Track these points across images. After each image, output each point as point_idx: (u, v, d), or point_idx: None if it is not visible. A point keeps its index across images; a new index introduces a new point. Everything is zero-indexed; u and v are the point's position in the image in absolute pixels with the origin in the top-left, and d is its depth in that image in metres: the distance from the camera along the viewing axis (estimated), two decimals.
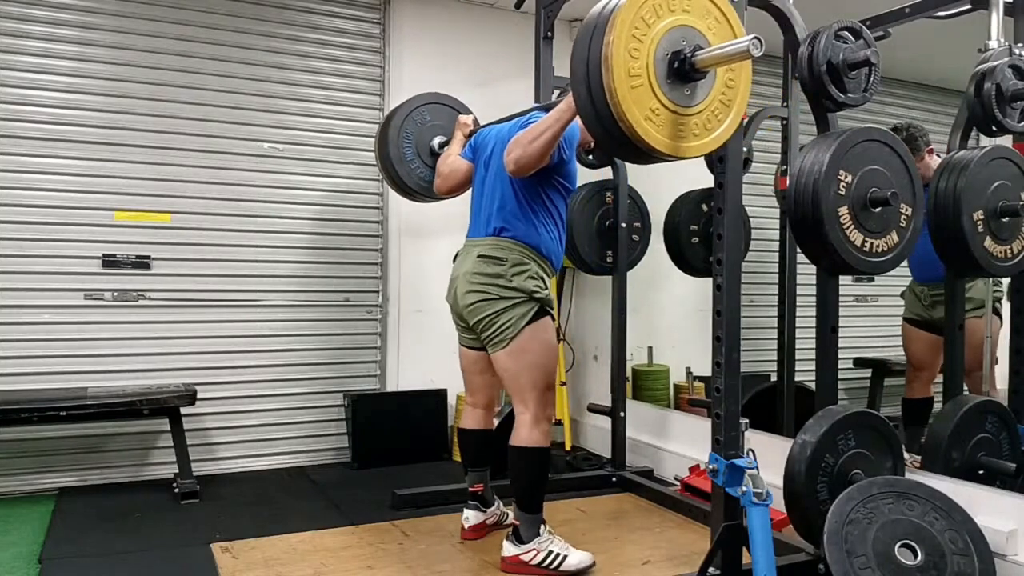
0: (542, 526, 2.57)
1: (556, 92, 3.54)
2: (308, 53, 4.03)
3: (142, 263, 3.68)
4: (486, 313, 2.59)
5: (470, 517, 2.90)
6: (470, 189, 2.90)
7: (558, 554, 2.54)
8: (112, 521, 3.09)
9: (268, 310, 3.95)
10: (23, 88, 3.48)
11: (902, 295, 3.60)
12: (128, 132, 3.66)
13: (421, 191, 3.31)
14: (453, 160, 2.98)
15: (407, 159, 3.29)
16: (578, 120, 2.41)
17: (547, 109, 2.69)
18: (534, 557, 2.53)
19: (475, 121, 3.15)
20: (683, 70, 1.83)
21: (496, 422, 3.11)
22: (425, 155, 3.31)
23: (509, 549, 2.56)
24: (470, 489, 2.94)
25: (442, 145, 3.27)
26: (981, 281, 3.23)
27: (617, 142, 1.87)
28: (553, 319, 2.67)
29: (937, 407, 3.29)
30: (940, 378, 3.24)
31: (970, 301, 3.12)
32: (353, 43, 4.14)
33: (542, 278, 2.65)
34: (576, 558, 2.56)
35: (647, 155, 1.90)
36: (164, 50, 3.72)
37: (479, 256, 2.63)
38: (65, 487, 3.53)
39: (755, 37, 1.73)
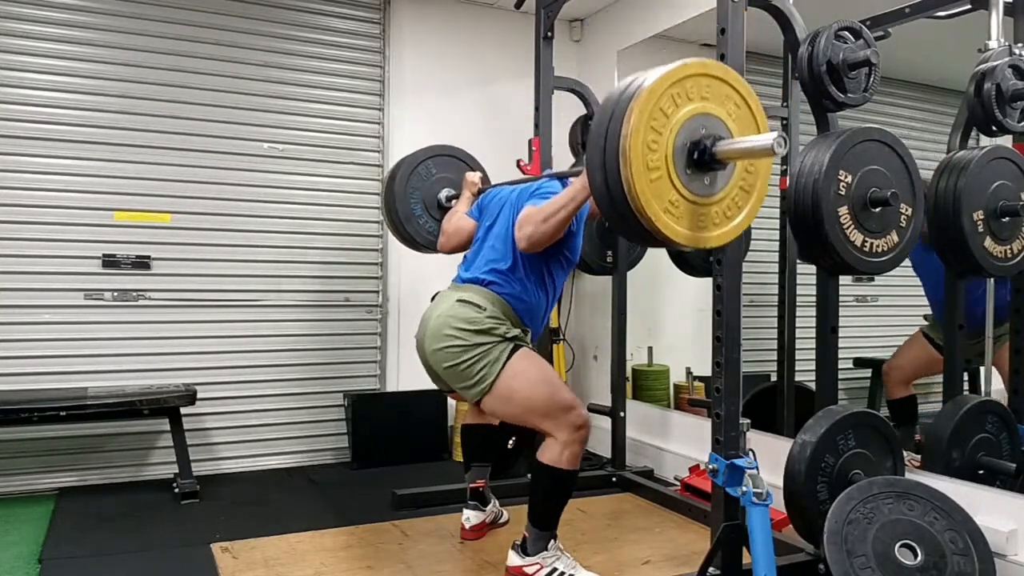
0: (552, 541, 2.49)
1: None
2: (308, 53, 4.03)
3: (142, 263, 3.68)
4: (456, 362, 2.44)
5: (471, 517, 2.90)
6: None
7: (563, 572, 2.45)
8: (112, 521, 3.09)
9: (268, 310, 3.95)
10: (23, 88, 3.49)
11: (926, 317, 3.60)
12: (128, 132, 3.66)
13: (430, 245, 3.26)
14: (459, 219, 2.92)
15: (415, 215, 3.25)
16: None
17: (559, 177, 2.67)
18: (538, 571, 2.45)
19: (483, 179, 3.11)
20: (703, 160, 1.76)
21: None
22: (433, 209, 3.27)
23: (513, 560, 2.50)
24: (471, 486, 2.94)
25: (449, 199, 3.25)
26: None
27: (635, 233, 1.80)
28: (529, 346, 2.56)
29: (937, 407, 3.29)
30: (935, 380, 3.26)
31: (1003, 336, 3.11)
32: (353, 43, 4.15)
33: (519, 324, 2.54)
34: None
35: (664, 245, 1.84)
36: (164, 50, 3.73)
37: (458, 300, 2.50)
38: (65, 487, 3.53)
39: (780, 134, 1.66)
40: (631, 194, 1.68)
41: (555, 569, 2.45)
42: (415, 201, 3.26)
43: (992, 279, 2.93)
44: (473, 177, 3.05)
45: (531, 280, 2.55)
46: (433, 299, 2.69)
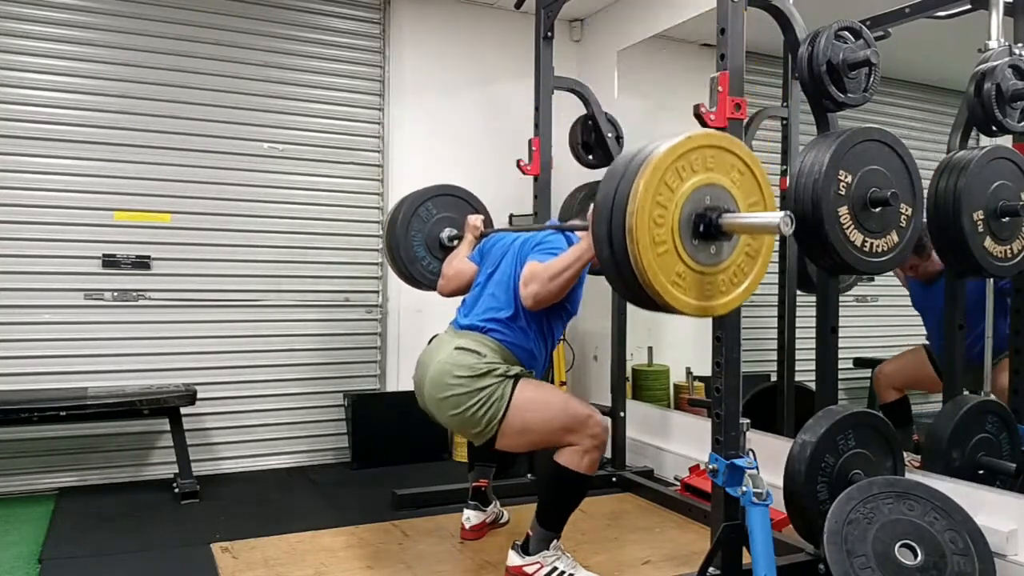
0: (554, 542, 2.49)
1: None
2: (308, 53, 4.03)
3: (142, 263, 3.68)
4: (460, 409, 2.42)
5: (471, 517, 2.90)
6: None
7: (563, 571, 2.45)
8: (112, 521, 3.09)
9: (268, 310, 3.95)
10: (23, 88, 3.49)
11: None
12: (128, 132, 3.66)
13: (433, 286, 3.22)
14: (460, 262, 2.93)
15: (418, 257, 3.26)
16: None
17: (562, 230, 2.66)
18: (538, 571, 2.45)
19: (485, 222, 3.12)
20: (708, 232, 1.77)
21: None
22: (435, 250, 3.28)
23: (514, 560, 2.49)
24: (473, 485, 2.94)
25: (451, 238, 3.25)
26: None
27: (643, 302, 1.83)
28: (530, 374, 2.55)
29: (937, 407, 3.29)
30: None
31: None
32: (353, 43, 4.15)
33: (518, 364, 2.53)
34: None
35: (673, 313, 1.85)
36: (164, 50, 3.73)
37: (456, 348, 2.49)
38: (65, 487, 3.53)
39: (787, 214, 1.67)
40: (638, 269, 1.70)
41: (555, 568, 2.45)
42: (418, 243, 3.26)
43: (992, 314, 2.93)
44: (475, 221, 3.06)
45: (531, 329, 2.55)
46: (431, 341, 2.69)
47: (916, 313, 3.56)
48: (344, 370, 4.13)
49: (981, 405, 2.66)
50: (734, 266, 1.84)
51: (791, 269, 3.59)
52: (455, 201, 3.33)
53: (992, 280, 2.93)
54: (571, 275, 2.39)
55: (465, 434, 2.53)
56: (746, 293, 1.88)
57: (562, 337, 2.69)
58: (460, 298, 2.81)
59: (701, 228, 1.76)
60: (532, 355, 2.57)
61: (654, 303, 1.78)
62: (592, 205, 2.25)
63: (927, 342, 3.52)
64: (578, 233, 2.55)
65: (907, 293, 3.64)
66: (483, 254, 2.82)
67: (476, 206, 3.36)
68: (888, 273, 2.47)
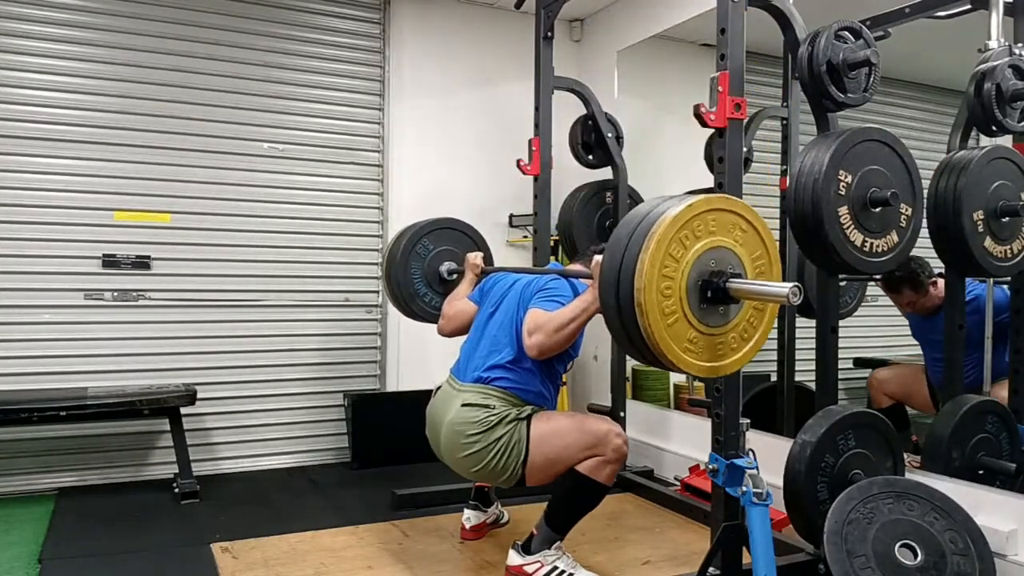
0: (556, 543, 2.49)
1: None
2: (308, 53, 4.03)
3: (142, 263, 3.68)
4: (483, 464, 2.44)
5: (471, 517, 2.90)
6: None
7: (563, 571, 2.45)
8: (112, 521, 3.09)
9: (268, 310, 3.95)
10: (23, 88, 3.49)
11: None
12: (128, 132, 3.66)
13: (434, 320, 3.20)
14: (460, 302, 2.93)
15: (419, 295, 3.28)
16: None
17: (566, 275, 2.65)
18: (538, 570, 2.46)
19: (485, 259, 3.13)
20: (716, 296, 1.79)
21: None
22: (435, 284, 3.30)
23: (514, 559, 2.50)
24: (475, 485, 2.94)
25: (451, 272, 3.27)
26: None
27: (654, 364, 1.86)
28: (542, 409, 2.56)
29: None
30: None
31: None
32: (353, 43, 4.15)
33: (528, 405, 2.54)
34: None
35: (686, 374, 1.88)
36: (164, 50, 3.73)
37: (464, 404, 2.49)
38: (65, 487, 3.53)
39: (795, 285, 1.68)
40: (651, 341, 1.72)
41: (555, 568, 2.46)
42: (417, 279, 3.28)
43: (991, 339, 2.94)
44: (475, 259, 3.07)
45: (536, 371, 2.55)
46: (435, 392, 2.70)
47: None
48: (344, 370, 4.13)
49: (981, 405, 2.66)
50: (743, 322, 1.86)
51: (791, 269, 3.59)
52: (453, 234, 3.35)
53: (991, 314, 2.96)
54: (576, 327, 2.39)
55: (495, 483, 2.56)
56: (756, 347, 1.90)
57: (563, 376, 2.71)
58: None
59: (709, 294, 1.78)
60: (541, 395, 2.57)
61: (667, 367, 1.81)
62: (596, 255, 2.25)
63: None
64: (583, 281, 2.54)
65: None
66: (483, 293, 2.82)
67: (474, 239, 3.37)
68: None
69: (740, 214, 1.82)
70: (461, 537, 2.88)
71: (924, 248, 2.62)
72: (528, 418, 2.47)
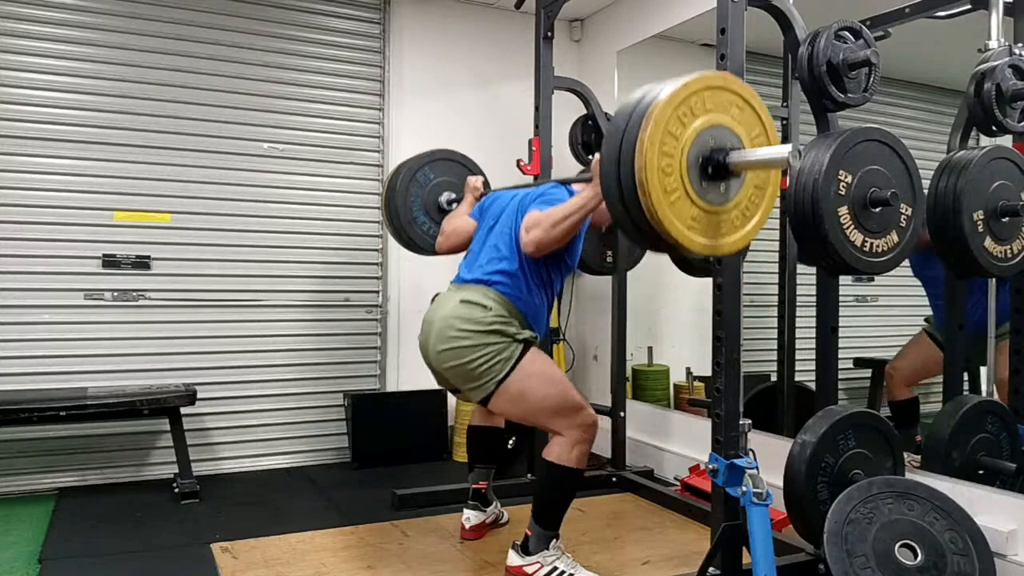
0: (553, 541, 2.48)
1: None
2: (308, 53, 4.03)
3: (142, 263, 3.68)
4: (462, 361, 2.43)
5: (471, 517, 2.90)
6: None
7: (563, 571, 2.44)
8: (112, 521, 3.09)
9: (268, 310, 3.95)
10: (23, 88, 3.49)
11: (927, 319, 3.59)
12: (128, 132, 3.66)
13: (431, 249, 3.29)
14: (459, 220, 2.94)
15: (416, 221, 3.30)
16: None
17: (564, 183, 2.68)
18: (538, 571, 2.45)
19: (485, 183, 3.13)
20: (717, 172, 1.80)
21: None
22: (433, 213, 3.32)
23: (513, 559, 2.49)
24: (473, 486, 2.94)
25: (450, 202, 3.30)
26: None
27: (660, 248, 1.88)
28: (537, 346, 2.55)
29: (937, 407, 3.29)
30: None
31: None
32: (353, 43, 4.15)
33: (527, 325, 2.55)
34: None
35: (693, 255, 1.91)
36: (164, 50, 3.73)
37: (461, 301, 2.48)
38: (65, 487, 3.53)
39: (795, 146, 1.68)
40: (654, 220, 1.72)
41: (555, 568, 2.45)
42: (416, 207, 3.29)
43: (994, 280, 2.93)
44: (475, 182, 3.07)
45: (533, 281, 2.55)
46: (433, 300, 2.68)
47: (916, 314, 3.56)
48: (344, 370, 4.13)
49: (981, 405, 2.66)
50: (745, 201, 1.87)
51: (791, 269, 3.59)
52: (452, 165, 3.37)
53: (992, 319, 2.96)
54: (574, 222, 2.41)
55: (462, 388, 2.53)
56: (757, 227, 1.91)
57: (560, 292, 2.72)
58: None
59: (709, 170, 1.79)
60: (535, 307, 2.58)
61: (672, 248, 1.82)
62: (594, 159, 2.28)
63: (925, 324, 3.51)
64: (578, 185, 2.58)
65: (907, 293, 3.64)
66: (483, 211, 2.83)
67: (473, 169, 3.38)
68: (888, 273, 2.46)
69: (736, 92, 1.83)
70: (461, 537, 2.88)
71: None
72: (526, 343, 2.46)
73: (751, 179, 1.87)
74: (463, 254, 2.82)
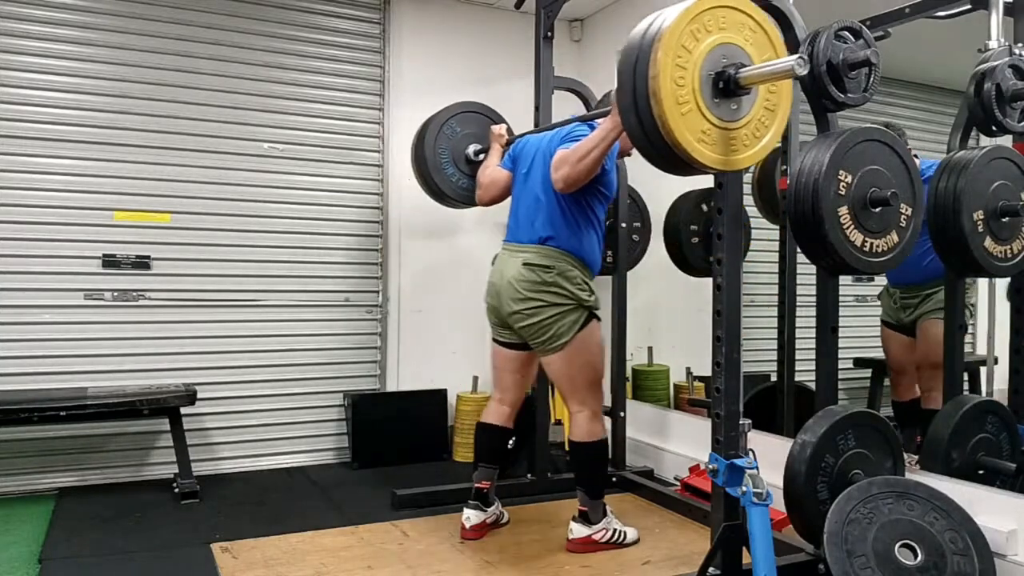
0: (607, 508, 2.81)
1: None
2: (308, 53, 4.03)
3: (142, 263, 3.68)
4: (537, 320, 2.68)
5: (471, 517, 2.90)
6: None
7: (621, 531, 2.80)
8: (112, 521, 3.09)
9: (268, 310, 3.95)
10: (23, 88, 3.49)
11: (878, 296, 3.61)
12: (128, 132, 3.66)
13: (461, 199, 3.45)
14: (493, 171, 3.09)
15: (446, 172, 3.42)
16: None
17: (586, 120, 2.78)
18: (604, 535, 2.76)
19: (509, 130, 3.25)
20: (728, 88, 1.85)
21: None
22: (461, 164, 3.45)
23: (580, 531, 2.75)
24: (476, 485, 2.95)
25: (477, 153, 3.41)
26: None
27: (671, 164, 1.92)
28: (599, 320, 2.79)
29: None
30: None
31: (937, 302, 3.13)
32: (353, 43, 4.15)
33: (588, 284, 2.74)
34: (632, 533, 2.84)
35: (702, 172, 1.95)
36: (164, 50, 3.73)
37: (525, 264, 2.70)
38: (65, 487, 3.53)
39: (800, 56, 1.75)
40: (665, 129, 1.78)
41: (616, 530, 2.80)
42: (445, 160, 3.42)
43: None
44: (500, 130, 3.23)
45: (578, 221, 2.72)
46: (494, 261, 2.87)
47: None
48: (344, 370, 4.13)
49: (981, 405, 2.66)
50: (755, 120, 1.93)
51: (791, 269, 3.59)
52: (477, 117, 3.50)
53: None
54: (598, 154, 2.53)
55: (534, 345, 2.77)
56: (768, 146, 1.97)
57: (604, 223, 2.89)
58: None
59: (721, 84, 1.84)
60: (590, 246, 2.76)
61: (683, 162, 1.86)
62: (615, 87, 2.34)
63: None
64: (599, 121, 2.69)
65: None
66: (515, 158, 2.98)
67: (496, 120, 3.48)
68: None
69: (749, 14, 1.90)
70: (461, 537, 2.88)
71: None
72: (590, 311, 2.72)
73: (762, 100, 1.93)
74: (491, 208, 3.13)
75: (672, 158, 1.85)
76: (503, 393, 2.98)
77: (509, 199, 2.98)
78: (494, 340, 2.96)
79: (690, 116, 1.80)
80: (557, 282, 2.67)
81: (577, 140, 2.63)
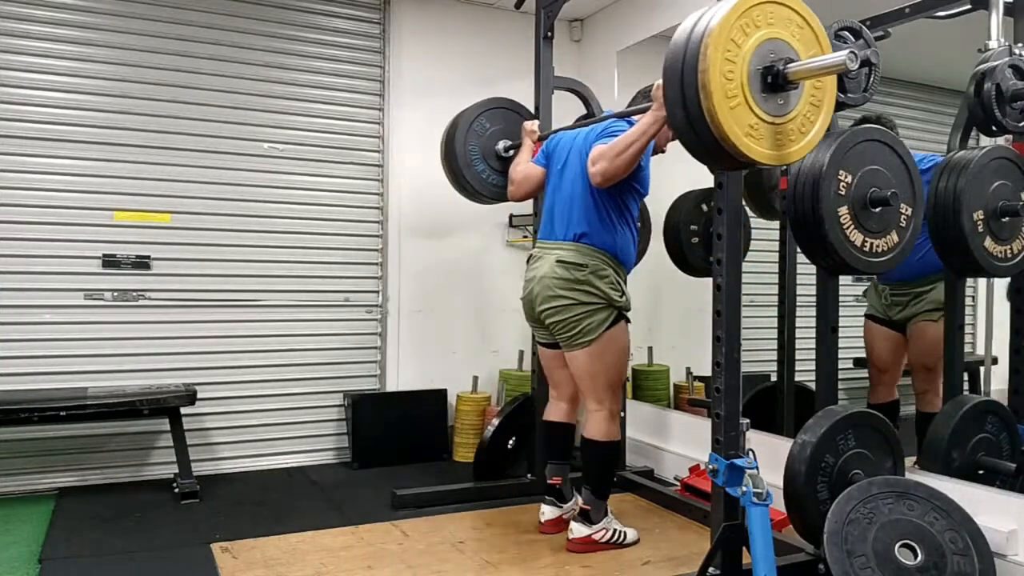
0: (608, 508, 2.81)
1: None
2: (308, 53, 4.03)
3: (142, 263, 3.68)
4: (566, 316, 2.70)
5: (546, 512, 2.94)
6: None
7: (621, 531, 2.80)
8: (112, 521, 3.09)
9: (268, 310, 3.94)
10: (23, 88, 3.48)
11: (864, 293, 3.60)
12: (128, 132, 3.66)
13: (492, 196, 3.45)
14: (526, 167, 3.11)
15: (478, 170, 3.41)
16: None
17: (623, 116, 2.78)
18: (604, 535, 2.76)
19: (540, 127, 3.25)
20: (776, 83, 1.86)
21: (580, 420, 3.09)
22: (492, 160, 3.44)
23: (580, 530, 2.75)
24: (548, 482, 2.98)
25: (507, 149, 3.41)
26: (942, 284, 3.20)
27: (717, 158, 1.92)
28: (628, 322, 2.80)
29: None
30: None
31: (931, 302, 3.12)
32: (353, 43, 4.14)
33: (620, 284, 2.74)
34: (632, 534, 2.84)
35: (747, 166, 1.96)
36: (164, 50, 3.72)
37: (558, 261, 2.72)
38: (65, 487, 3.53)
39: (851, 51, 1.75)
40: (714, 123, 1.78)
41: (616, 530, 2.80)
42: (475, 156, 3.41)
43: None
44: (532, 126, 3.25)
45: (612, 218, 2.72)
46: (529, 260, 2.90)
47: None
48: (344, 370, 4.13)
49: (981, 405, 2.66)
50: (800, 115, 1.94)
51: (791, 269, 3.59)
52: (506, 113, 3.49)
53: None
54: (637, 149, 2.53)
55: (563, 341, 2.77)
56: (814, 140, 1.98)
57: (637, 219, 2.90)
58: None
59: (769, 79, 1.85)
60: (625, 243, 2.77)
61: (732, 157, 1.85)
62: (655, 85, 2.43)
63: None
64: (637, 116, 2.70)
65: None
66: (548, 154, 2.99)
67: (526, 116, 3.47)
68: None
69: (796, 10, 1.91)
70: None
71: None
72: (620, 313, 2.74)
73: (807, 96, 1.94)
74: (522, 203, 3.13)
75: (719, 152, 1.85)
76: (557, 389, 3.02)
77: (541, 195, 3.00)
78: (537, 342, 3.02)
79: (739, 110, 1.81)
80: (589, 280, 2.68)
81: (615, 136, 2.63)
